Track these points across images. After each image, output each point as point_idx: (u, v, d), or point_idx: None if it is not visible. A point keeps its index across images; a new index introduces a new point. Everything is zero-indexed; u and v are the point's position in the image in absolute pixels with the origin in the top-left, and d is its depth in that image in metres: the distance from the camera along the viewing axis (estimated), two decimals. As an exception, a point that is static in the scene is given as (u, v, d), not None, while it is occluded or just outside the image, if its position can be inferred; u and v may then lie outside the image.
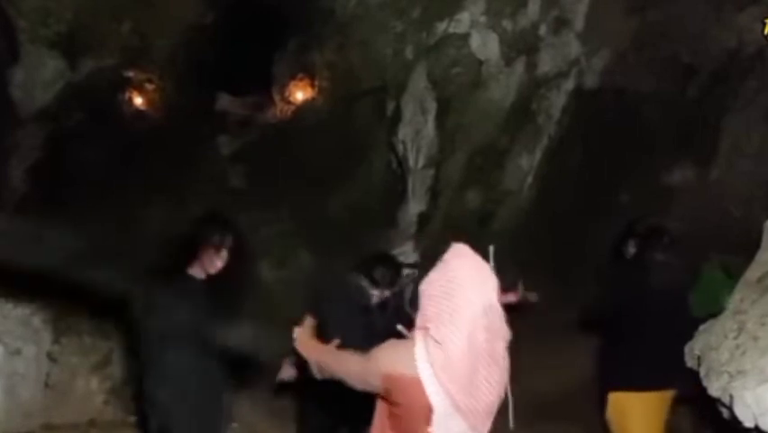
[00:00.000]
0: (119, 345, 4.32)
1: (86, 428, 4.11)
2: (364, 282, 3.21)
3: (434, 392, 1.65)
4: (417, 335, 1.72)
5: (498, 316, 1.69)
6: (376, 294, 3.20)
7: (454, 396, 1.64)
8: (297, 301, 3.85)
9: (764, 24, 5.30)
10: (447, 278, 1.68)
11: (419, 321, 1.72)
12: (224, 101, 7.24)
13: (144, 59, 6.74)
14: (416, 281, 4.79)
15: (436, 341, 1.65)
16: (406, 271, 4.46)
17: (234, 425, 4.35)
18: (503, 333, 1.71)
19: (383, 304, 3.24)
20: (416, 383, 1.66)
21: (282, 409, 4.22)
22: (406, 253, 4.71)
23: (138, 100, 6.91)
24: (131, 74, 6.81)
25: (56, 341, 4.16)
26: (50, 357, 4.11)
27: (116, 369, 4.36)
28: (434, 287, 1.70)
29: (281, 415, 4.25)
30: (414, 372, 1.67)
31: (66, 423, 4.05)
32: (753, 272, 2.84)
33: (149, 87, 6.95)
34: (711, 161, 5.49)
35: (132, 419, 4.11)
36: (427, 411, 1.66)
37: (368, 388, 1.80)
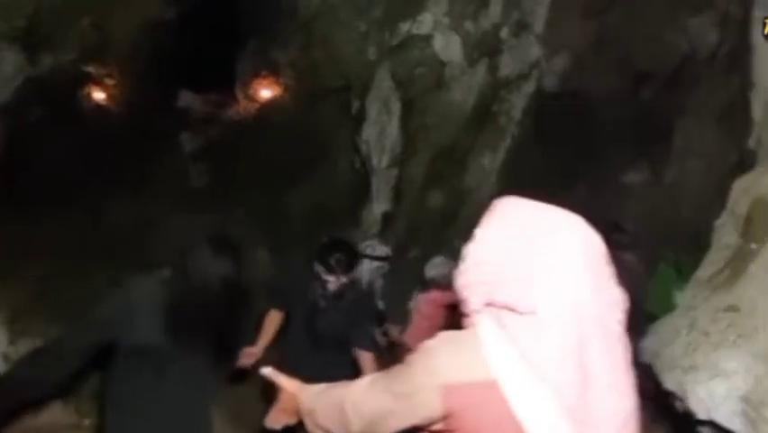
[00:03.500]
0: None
1: (39, 432, 4.00)
2: (319, 269, 3.12)
3: (524, 399, 1.03)
4: (473, 318, 1.14)
5: (606, 273, 1.13)
6: (331, 280, 3.09)
7: (564, 398, 1.03)
8: (259, 301, 3.82)
9: (720, 29, 5.55)
10: (509, 232, 1.13)
11: (471, 303, 1.15)
12: (187, 98, 7.14)
13: (104, 55, 6.57)
14: (387, 276, 4.80)
15: (512, 309, 1.07)
16: (375, 264, 4.47)
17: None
18: (615, 298, 1.13)
19: (339, 293, 3.15)
20: (489, 391, 1.05)
21: (243, 414, 4.18)
22: (375, 246, 4.68)
23: (98, 96, 6.76)
24: (91, 69, 6.63)
25: (11, 342, 4.06)
26: (6, 359, 3.98)
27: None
28: (486, 249, 1.14)
29: (244, 421, 4.20)
30: (485, 373, 1.06)
31: (19, 427, 3.93)
32: (704, 271, 2.97)
33: (109, 82, 6.80)
34: (665, 163, 5.68)
35: (87, 422, 4.02)
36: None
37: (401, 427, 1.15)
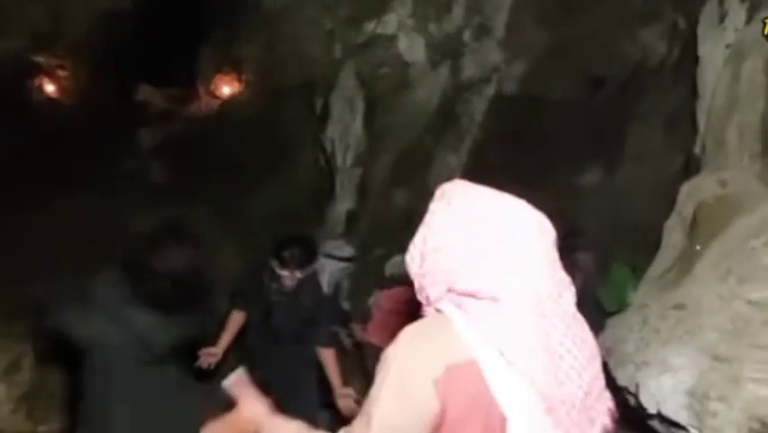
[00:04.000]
0: (30, 350, 4.08)
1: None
2: (274, 263, 3.11)
3: (499, 378, 1.03)
4: (437, 305, 1.13)
5: (555, 255, 1.13)
6: (286, 275, 3.10)
7: (536, 381, 1.03)
8: (222, 300, 3.80)
9: (668, 40, 5.82)
10: (462, 217, 1.12)
11: (432, 292, 1.13)
12: (145, 92, 6.96)
13: (57, 44, 6.34)
14: (352, 277, 4.82)
15: (474, 296, 1.06)
16: (341, 265, 4.49)
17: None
18: (565, 279, 1.14)
19: (295, 289, 3.14)
20: (470, 371, 1.04)
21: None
22: (341, 246, 4.69)
23: (49, 87, 6.52)
24: (41, 59, 6.39)
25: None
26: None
27: (27, 375, 4.11)
28: (440, 235, 1.13)
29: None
30: (465, 353, 1.05)
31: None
32: (654, 270, 3.13)
33: (61, 73, 6.57)
34: (618, 166, 5.91)
35: (43, 428, 3.91)
36: (493, 420, 1.03)
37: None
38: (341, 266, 4.54)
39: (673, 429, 2.26)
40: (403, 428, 1.05)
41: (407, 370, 1.07)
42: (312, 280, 3.34)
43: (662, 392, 2.21)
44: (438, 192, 1.22)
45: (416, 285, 1.19)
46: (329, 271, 4.45)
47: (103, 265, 2.59)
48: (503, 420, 1.03)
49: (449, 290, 1.11)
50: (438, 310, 1.13)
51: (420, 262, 1.17)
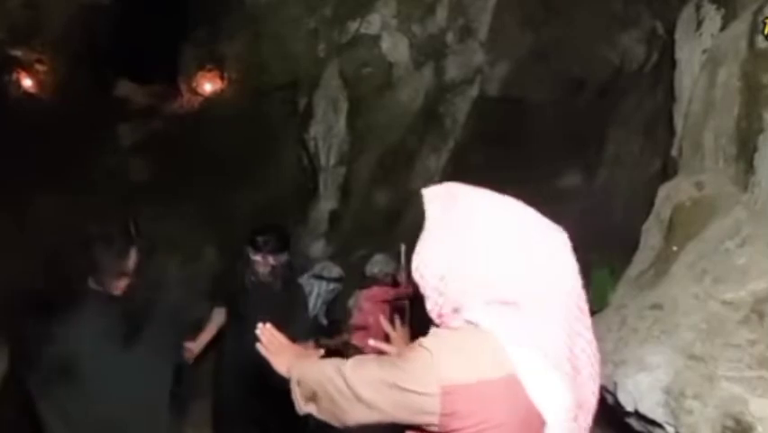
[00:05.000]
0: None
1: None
2: (248, 249, 3.14)
3: (546, 392, 1.04)
4: (468, 317, 1.10)
5: (573, 262, 1.14)
6: (259, 261, 3.12)
7: (574, 388, 1.06)
8: (203, 299, 3.79)
9: (647, 45, 5.92)
10: (482, 227, 1.10)
11: (463, 302, 1.10)
12: (125, 88, 6.85)
13: (35, 38, 6.21)
14: (339, 296, 4.77)
15: (512, 305, 1.06)
16: (331, 286, 4.48)
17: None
18: (580, 284, 1.15)
19: (268, 278, 3.14)
20: (510, 388, 1.05)
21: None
22: (329, 267, 4.68)
23: (26, 82, 6.38)
24: (18, 53, 6.26)
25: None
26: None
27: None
28: (469, 252, 1.09)
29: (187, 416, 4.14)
30: (501, 370, 1.05)
31: None
32: (632, 270, 3.19)
33: (39, 68, 6.43)
34: (598, 168, 6.01)
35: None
36: (531, 428, 1.06)
37: (397, 420, 1.13)
38: (330, 287, 4.52)
39: (650, 427, 2.31)
40: (386, 405, 1.10)
41: (420, 370, 1.08)
42: (286, 274, 3.32)
43: (639, 391, 2.25)
44: (436, 196, 1.20)
45: (434, 295, 1.15)
46: (317, 292, 4.45)
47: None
48: (541, 425, 1.06)
49: (487, 303, 1.08)
50: (469, 322, 1.10)
51: (441, 272, 1.13)
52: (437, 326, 1.17)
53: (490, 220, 1.13)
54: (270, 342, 1.45)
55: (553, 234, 1.16)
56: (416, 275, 1.18)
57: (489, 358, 1.06)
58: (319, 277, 4.51)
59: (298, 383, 1.27)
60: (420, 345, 1.11)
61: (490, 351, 1.06)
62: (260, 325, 1.49)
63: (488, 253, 1.10)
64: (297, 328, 3.29)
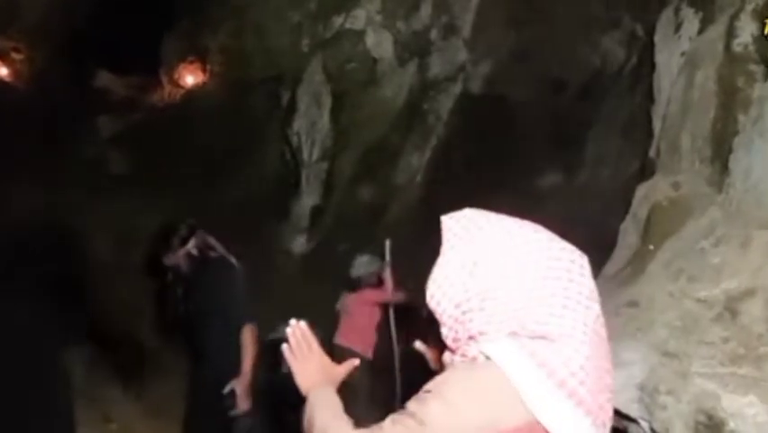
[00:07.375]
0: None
1: None
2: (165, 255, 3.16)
3: (572, 425, 1.00)
4: (485, 348, 1.06)
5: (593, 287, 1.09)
6: (170, 256, 3.13)
7: (596, 422, 1.02)
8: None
9: (627, 47, 6.00)
10: (506, 255, 1.07)
11: (491, 336, 1.05)
12: (105, 79, 6.73)
13: (12, 26, 6.08)
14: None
15: (540, 336, 1.02)
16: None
17: (113, 426, 4.15)
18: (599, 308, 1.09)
19: (178, 271, 3.13)
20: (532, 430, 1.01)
21: (161, 407, 4.08)
22: (279, 328, 4.51)
23: (2, 71, 6.25)
24: (-5, 42, 6.15)
25: None
26: None
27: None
28: (491, 280, 1.07)
29: (161, 414, 4.09)
30: (523, 413, 1.01)
31: None
32: (610, 268, 3.24)
33: (16, 56, 6.30)
34: (577, 168, 6.08)
35: None
36: None
37: None
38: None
39: (625, 422, 2.35)
40: None
41: (446, 416, 1.03)
42: (207, 279, 3.16)
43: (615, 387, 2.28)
44: (456, 223, 1.15)
45: (450, 322, 1.11)
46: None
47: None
48: None
49: (512, 333, 1.04)
50: (485, 354, 1.06)
51: (460, 300, 1.09)
52: (448, 347, 1.15)
53: (515, 249, 1.08)
54: (299, 345, 1.34)
55: (577, 259, 1.10)
56: (431, 302, 1.14)
57: (510, 407, 1.01)
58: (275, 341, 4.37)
59: (306, 412, 1.25)
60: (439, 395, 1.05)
61: (511, 397, 1.01)
62: (292, 321, 1.36)
63: (515, 283, 1.06)
64: (236, 317, 3.20)
